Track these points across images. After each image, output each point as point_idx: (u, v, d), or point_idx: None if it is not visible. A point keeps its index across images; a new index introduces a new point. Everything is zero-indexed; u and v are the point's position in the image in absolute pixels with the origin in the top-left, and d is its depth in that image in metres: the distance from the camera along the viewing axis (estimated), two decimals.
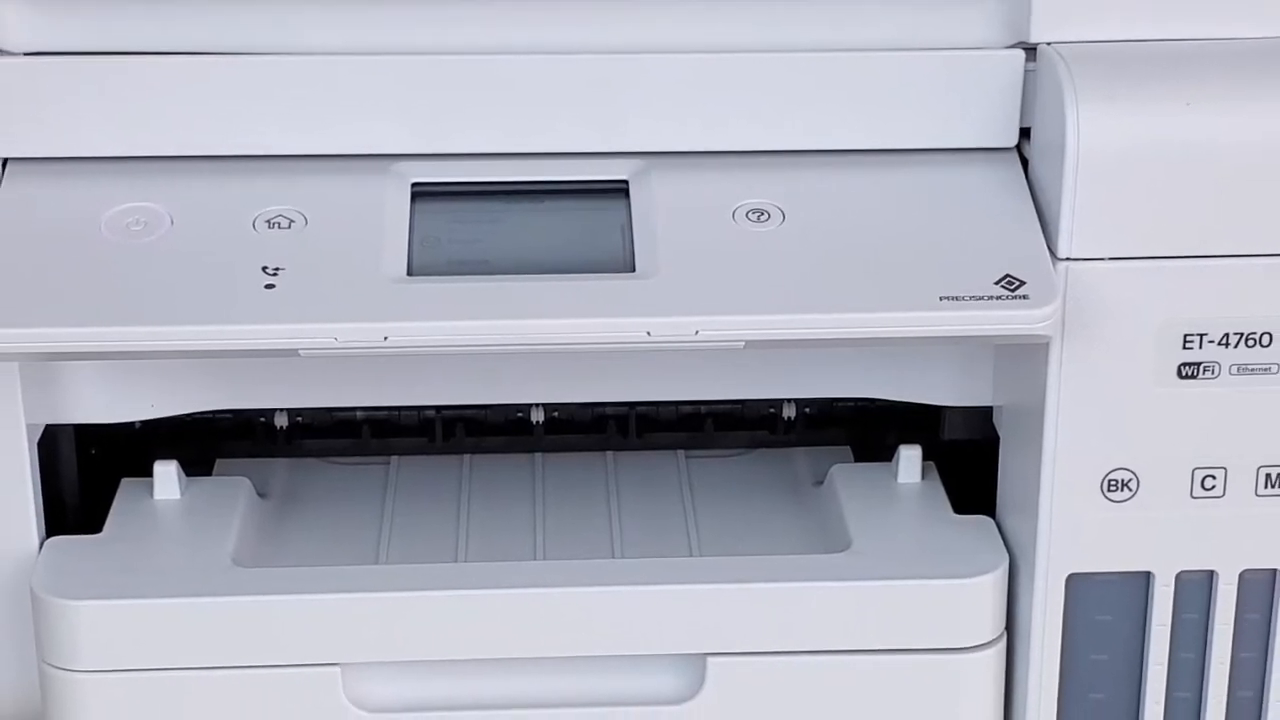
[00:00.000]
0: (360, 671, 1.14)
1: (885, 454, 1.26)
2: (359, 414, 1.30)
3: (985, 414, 1.22)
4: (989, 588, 1.14)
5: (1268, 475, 1.13)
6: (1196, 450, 1.12)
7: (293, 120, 1.13)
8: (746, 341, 1.07)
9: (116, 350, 1.06)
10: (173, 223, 1.11)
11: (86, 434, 1.24)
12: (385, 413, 1.29)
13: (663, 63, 1.13)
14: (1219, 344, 1.10)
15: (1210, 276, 1.09)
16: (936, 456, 1.26)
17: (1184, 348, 1.10)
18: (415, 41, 1.12)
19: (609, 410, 1.31)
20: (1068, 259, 1.09)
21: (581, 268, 1.10)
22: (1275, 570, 1.15)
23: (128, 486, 1.23)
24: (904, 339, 1.08)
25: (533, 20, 1.13)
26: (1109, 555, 1.14)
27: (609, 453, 1.32)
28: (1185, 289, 1.09)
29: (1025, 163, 1.14)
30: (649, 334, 1.06)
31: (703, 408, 1.31)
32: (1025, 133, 1.14)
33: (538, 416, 1.30)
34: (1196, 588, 1.15)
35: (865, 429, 1.31)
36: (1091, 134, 1.07)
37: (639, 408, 1.31)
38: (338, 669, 1.13)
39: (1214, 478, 1.13)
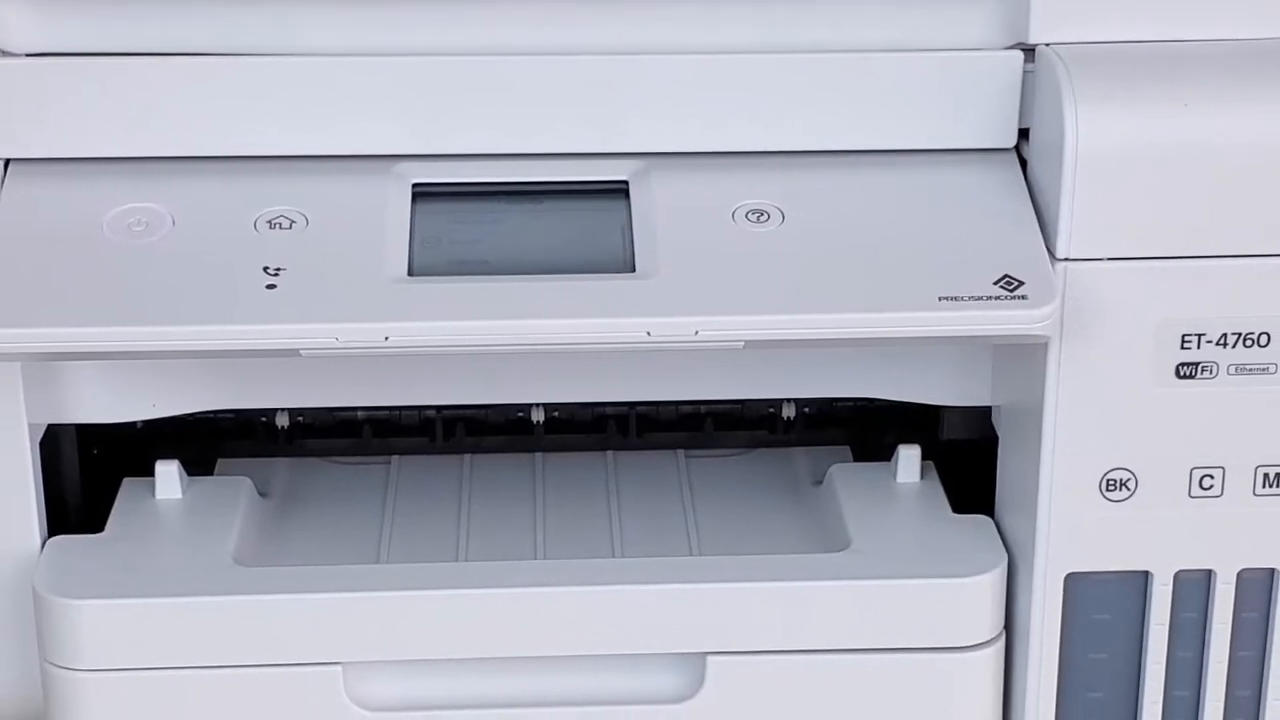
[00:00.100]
0: (361, 670, 1.14)
1: (884, 454, 1.27)
2: (360, 414, 1.30)
3: (984, 414, 1.23)
4: (988, 587, 1.15)
5: (1266, 475, 1.13)
6: (1195, 450, 1.12)
7: (294, 121, 1.13)
8: (746, 341, 1.07)
9: (118, 350, 1.06)
10: (174, 223, 1.11)
11: (88, 434, 1.24)
12: (386, 412, 1.30)
13: (663, 64, 1.13)
14: (1217, 344, 1.10)
15: (1208, 277, 1.09)
16: (935, 456, 1.26)
17: (1182, 348, 1.10)
18: (416, 42, 1.13)
19: (609, 410, 1.31)
20: (1066, 259, 1.09)
21: (582, 268, 1.10)
22: (1273, 569, 1.15)
23: (129, 486, 1.23)
24: (903, 339, 1.08)
25: (533, 21, 1.13)
26: (1107, 554, 1.14)
27: (609, 452, 1.32)
28: (1183, 289, 1.09)
29: (1024, 163, 1.14)
30: (649, 334, 1.06)
31: (703, 408, 1.31)
32: (1024, 133, 1.14)
33: (538, 416, 1.30)
34: (1195, 587, 1.15)
35: (864, 429, 1.31)
36: (1090, 135, 1.07)
37: (639, 408, 1.31)
38: (339, 668, 1.13)
39: (1212, 477, 1.13)
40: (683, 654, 1.15)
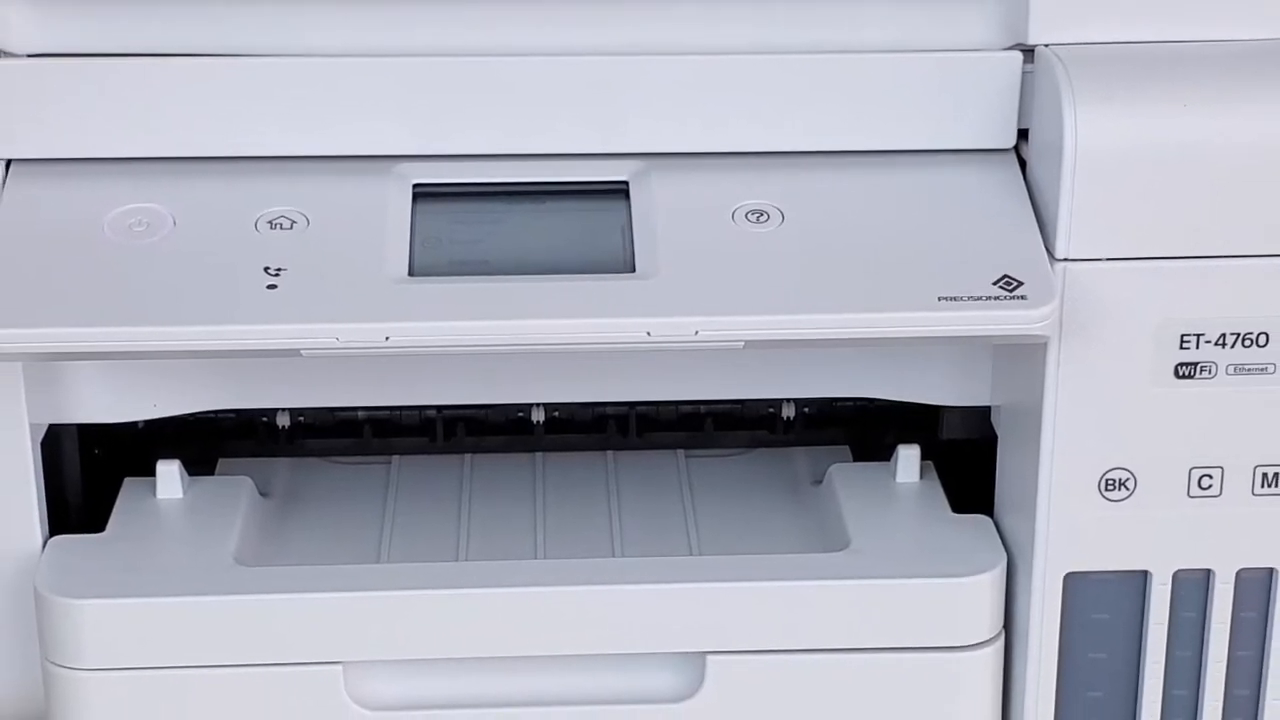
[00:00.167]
0: (362, 670, 1.14)
1: (884, 453, 1.27)
2: (360, 414, 1.30)
3: (983, 414, 1.23)
4: (987, 586, 1.15)
5: (1264, 474, 1.13)
6: (1193, 450, 1.12)
7: (295, 121, 1.13)
8: (746, 341, 1.07)
9: (119, 350, 1.06)
10: (175, 223, 1.11)
11: (89, 434, 1.24)
12: (387, 412, 1.30)
13: (663, 64, 1.13)
14: (1216, 344, 1.11)
15: (1207, 277, 1.09)
16: (935, 456, 1.26)
17: (1181, 348, 1.11)
18: (417, 43, 1.13)
19: (609, 410, 1.31)
20: (1065, 259, 1.09)
21: (582, 268, 1.10)
22: (1272, 569, 1.15)
23: (130, 486, 1.23)
24: (902, 339, 1.08)
25: (533, 22, 1.13)
26: (1106, 554, 1.14)
27: (609, 452, 1.32)
28: (1182, 289, 1.10)
29: (1023, 164, 1.14)
30: (649, 334, 1.06)
31: (702, 407, 1.31)
32: (1023, 134, 1.14)
33: (538, 416, 1.30)
34: (1193, 586, 1.16)
35: (864, 429, 1.32)
36: (1089, 135, 1.07)
37: (639, 407, 1.31)
38: (339, 667, 1.13)
39: (1211, 477, 1.13)
40: (682, 653, 1.15)
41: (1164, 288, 1.09)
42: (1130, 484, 1.13)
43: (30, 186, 1.13)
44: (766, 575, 1.14)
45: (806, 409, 1.31)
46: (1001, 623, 1.17)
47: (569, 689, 1.15)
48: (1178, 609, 1.16)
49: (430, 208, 1.13)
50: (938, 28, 1.14)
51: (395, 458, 1.31)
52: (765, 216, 1.12)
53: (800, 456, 1.31)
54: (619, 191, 1.14)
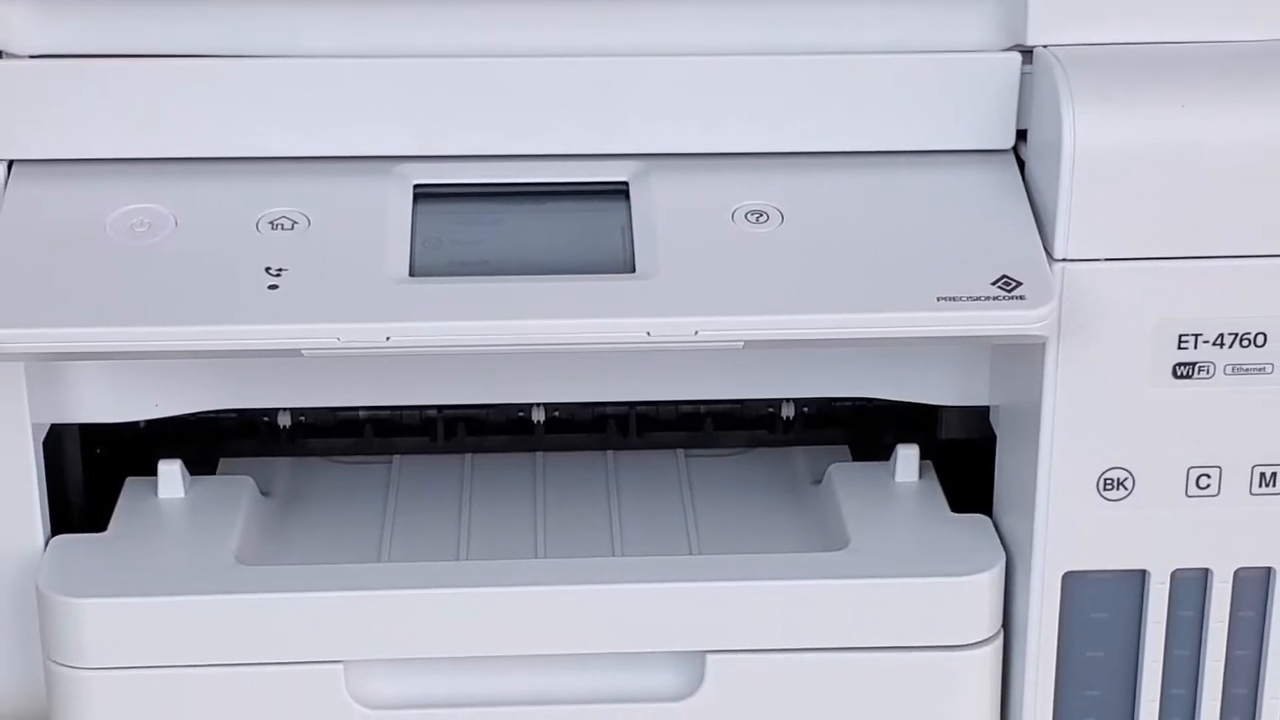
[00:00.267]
0: (363, 669, 1.14)
1: (883, 453, 1.27)
2: (361, 413, 1.30)
3: (982, 413, 1.23)
4: (986, 586, 1.15)
5: (1262, 474, 1.13)
6: (1191, 449, 1.13)
7: (296, 122, 1.13)
8: (745, 342, 1.07)
9: (121, 350, 1.06)
10: (177, 224, 1.12)
11: (91, 433, 1.24)
12: (387, 412, 1.30)
13: (662, 65, 1.13)
14: (1214, 344, 1.11)
15: (1205, 277, 1.10)
16: (934, 456, 1.26)
17: (1179, 348, 1.11)
18: (417, 44, 1.13)
19: (609, 410, 1.31)
20: (1064, 260, 1.09)
21: (582, 268, 1.11)
22: (1269, 568, 1.16)
23: (132, 485, 1.24)
24: (901, 339, 1.08)
25: (534, 23, 1.13)
26: (1105, 553, 1.15)
27: (609, 452, 1.32)
28: (1180, 289, 1.10)
29: (1022, 164, 1.14)
30: (649, 334, 1.07)
31: (702, 407, 1.31)
32: (1022, 135, 1.15)
33: (538, 416, 1.31)
34: (1191, 585, 1.16)
35: (863, 428, 1.32)
36: (1087, 136, 1.07)
37: (639, 407, 1.31)
38: (340, 666, 1.13)
39: (1209, 476, 1.13)
40: (682, 652, 1.15)
41: (1162, 288, 1.10)
42: (1128, 483, 1.13)
43: (32, 187, 1.13)
44: (766, 574, 1.14)
45: (806, 409, 1.31)
46: (1000, 622, 1.17)
47: (569, 688, 1.15)
48: (1176, 608, 1.16)
49: (431, 208, 1.14)
50: (936, 29, 1.14)
51: (396, 457, 1.32)
52: (765, 217, 1.12)
53: (800, 456, 1.31)
54: (619, 192, 1.15)
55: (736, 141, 1.15)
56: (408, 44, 1.13)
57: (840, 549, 1.18)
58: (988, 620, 1.16)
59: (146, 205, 1.12)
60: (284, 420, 1.29)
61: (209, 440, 1.30)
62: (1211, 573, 1.15)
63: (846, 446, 1.32)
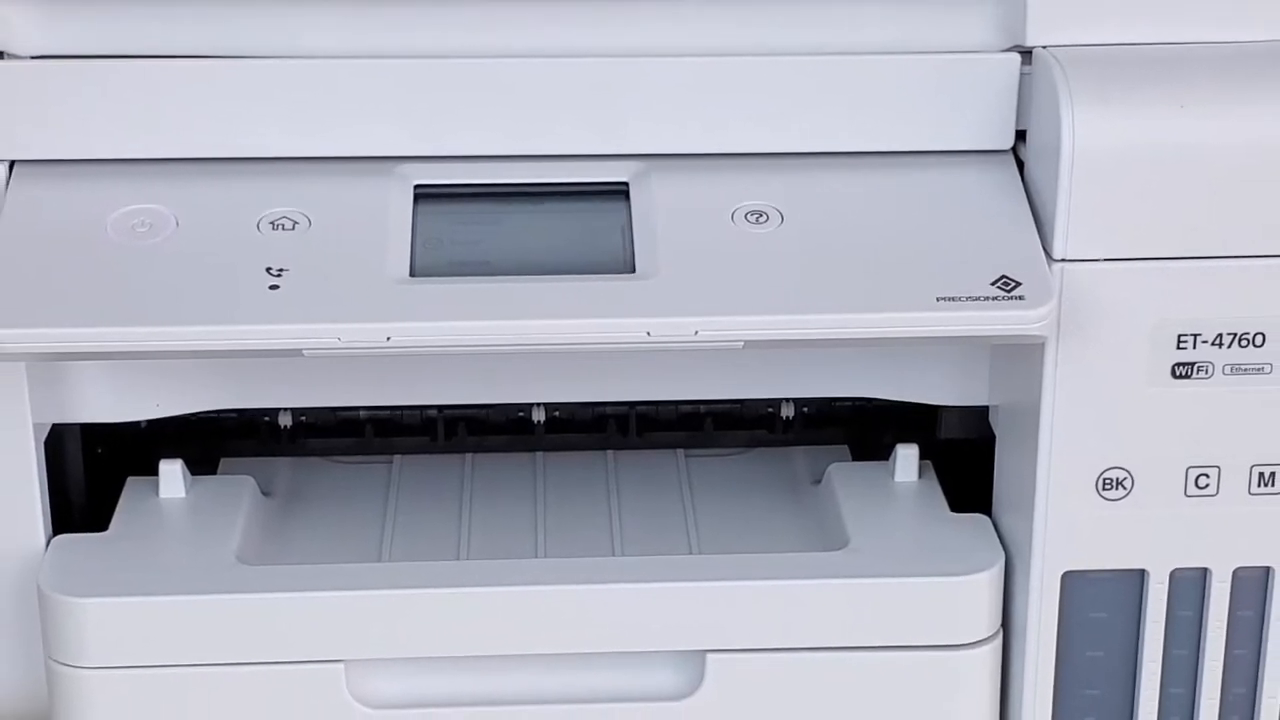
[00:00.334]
0: (363, 668, 1.14)
1: (882, 453, 1.27)
2: (362, 413, 1.30)
3: (981, 413, 1.23)
4: (985, 585, 1.15)
5: (1261, 474, 1.14)
6: (1190, 449, 1.13)
7: (297, 123, 1.13)
8: (745, 342, 1.07)
9: (122, 350, 1.07)
10: (178, 224, 1.12)
11: (93, 433, 1.25)
12: (388, 412, 1.30)
13: (663, 66, 1.13)
14: (1212, 344, 1.11)
15: (1204, 277, 1.10)
16: (933, 455, 1.26)
17: (1178, 348, 1.11)
18: (418, 45, 1.13)
19: (609, 410, 1.31)
20: (1063, 260, 1.10)
21: (582, 269, 1.11)
22: (1268, 568, 1.16)
23: (133, 485, 1.24)
24: (901, 339, 1.09)
25: (534, 24, 1.13)
26: (1104, 553, 1.15)
27: (609, 452, 1.32)
28: (1179, 290, 1.10)
29: (1021, 165, 1.15)
30: (649, 334, 1.07)
31: (702, 407, 1.32)
32: (1021, 135, 1.15)
33: (539, 416, 1.31)
34: (1190, 585, 1.16)
35: (863, 428, 1.32)
36: (1086, 136, 1.08)
37: (639, 407, 1.31)
38: (341, 665, 1.13)
39: (1207, 476, 1.13)
40: (682, 652, 1.15)
41: (1161, 288, 1.10)
42: (1128, 483, 1.13)
43: (34, 187, 1.13)
44: (766, 574, 1.14)
45: (806, 409, 1.31)
46: (999, 621, 1.17)
47: (569, 687, 1.16)
48: (1175, 607, 1.16)
49: (431, 208, 1.14)
50: (936, 30, 1.14)
51: (397, 457, 1.32)
52: (764, 217, 1.13)
53: (799, 456, 1.31)
54: (619, 192, 1.15)
55: (736, 142, 1.15)
56: (408, 45, 1.13)
57: (840, 549, 1.18)
58: (987, 620, 1.16)
59: (147, 205, 1.12)
60: (285, 420, 1.29)
61: (210, 440, 1.30)
62: (1210, 572, 1.16)
63: (846, 446, 1.32)
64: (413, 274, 1.10)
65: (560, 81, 1.13)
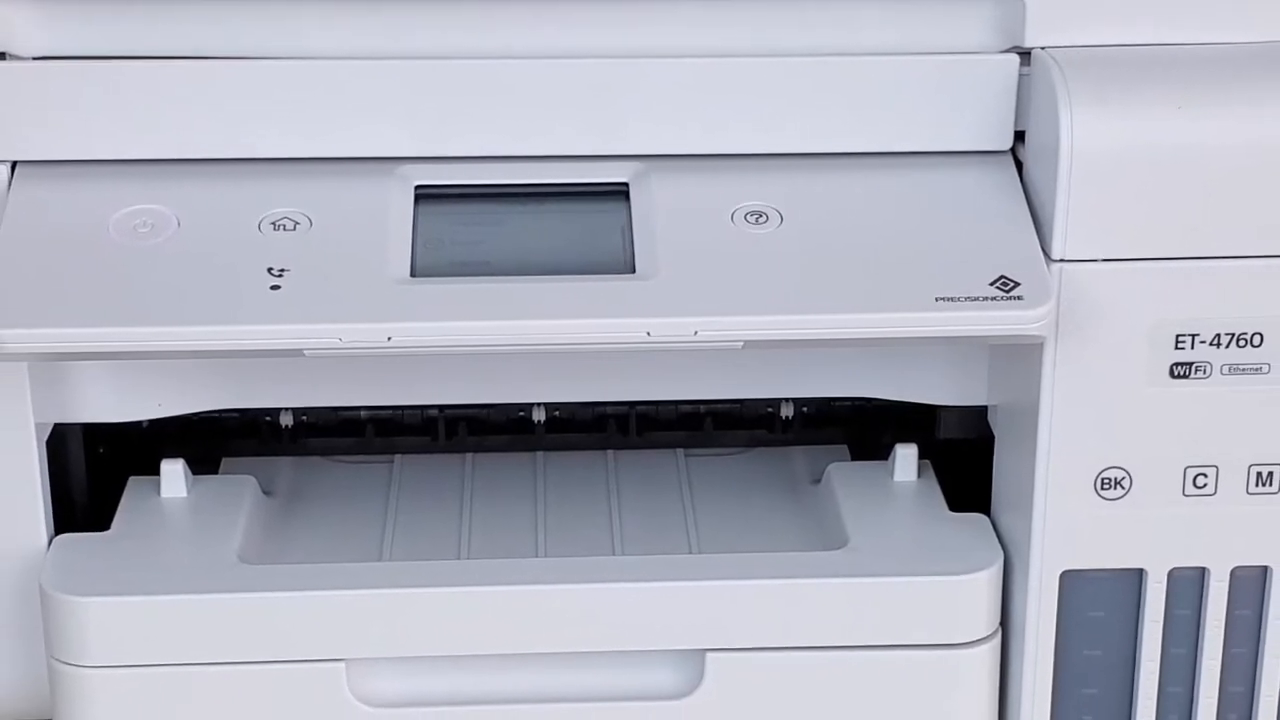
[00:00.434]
0: (364, 667, 1.14)
1: (882, 453, 1.27)
2: (363, 413, 1.30)
3: (980, 413, 1.23)
4: (984, 584, 1.15)
5: (1259, 474, 1.14)
6: (1188, 449, 1.13)
7: (298, 124, 1.14)
8: (745, 342, 1.08)
9: (124, 350, 1.07)
10: (179, 225, 1.12)
11: (95, 433, 1.25)
12: (389, 412, 1.30)
13: (663, 67, 1.14)
14: (1210, 344, 1.11)
15: (1202, 277, 1.10)
16: (932, 455, 1.26)
17: (1176, 348, 1.11)
18: (419, 46, 1.13)
19: (609, 409, 1.31)
20: (1061, 260, 1.10)
21: (582, 269, 1.11)
22: (1266, 567, 1.16)
23: (135, 484, 1.24)
24: (900, 339, 1.09)
25: (534, 25, 1.13)
26: (1102, 552, 1.15)
27: (609, 451, 1.32)
28: (1177, 290, 1.10)
29: (1019, 165, 1.15)
30: (649, 334, 1.07)
31: (702, 407, 1.32)
32: (1020, 136, 1.15)
33: (539, 416, 1.31)
34: (1188, 584, 1.16)
35: (862, 428, 1.32)
36: (1085, 137, 1.08)
37: (639, 407, 1.31)
38: (342, 664, 1.14)
39: (1206, 476, 1.14)
40: (682, 651, 1.15)
41: (1159, 288, 1.10)
42: (1126, 483, 1.14)
43: (36, 188, 1.13)
44: (765, 573, 1.15)
45: (805, 409, 1.31)
46: (998, 620, 1.17)
47: (569, 686, 1.16)
48: (1173, 607, 1.16)
49: (432, 209, 1.14)
50: (935, 31, 1.14)
51: (397, 457, 1.32)
52: (764, 218, 1.13)
53: (799, 456, 1.31)
54: (619, 193, 1.15)
55: (736, 143, 1.15)
56: (409, 46, 1.13)
57: (839, 548, 1.18)
58: (986, 619, 1.16)
59: (149, 206, 1.13)
60: (286, 420, 1.29)
61: (212, 440, 1.30)
62: (1208, 571, 1.16)
63: (845, 446, 1.32)
64: (413, 274, 1.10)
65: (560, 82, 1.13)
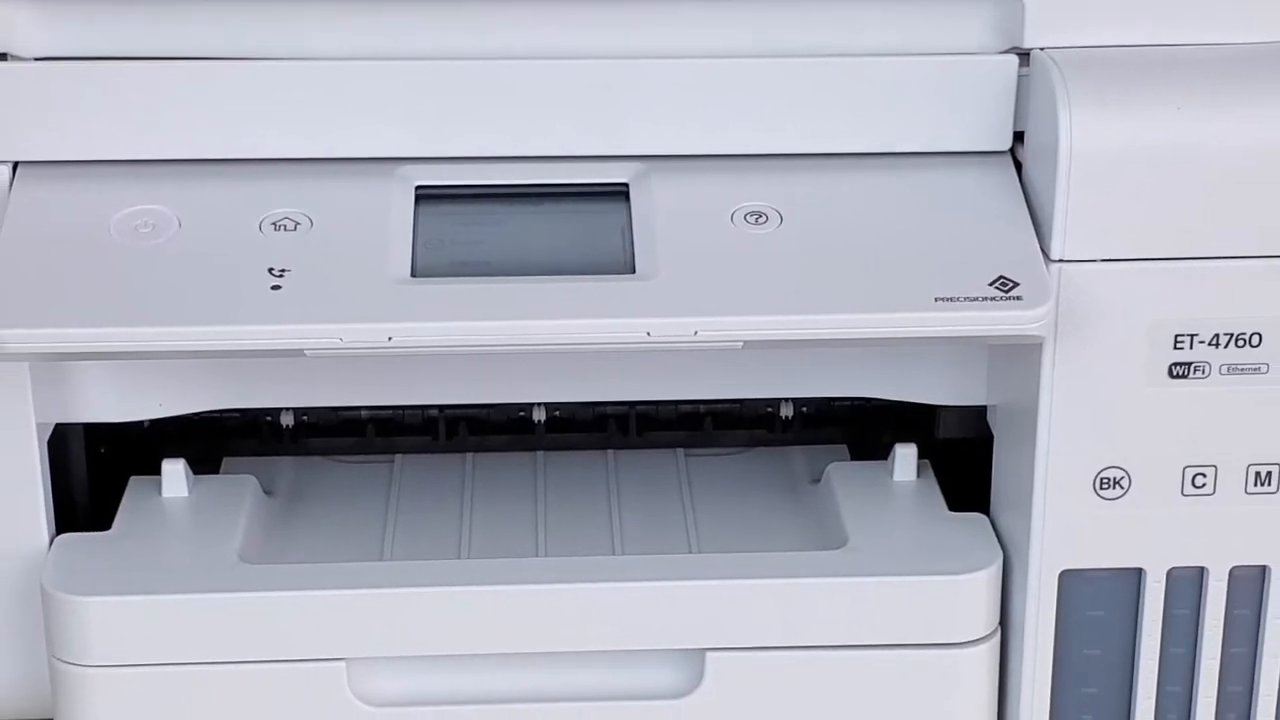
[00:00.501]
0: (365, 666, 1.15)
1: (881, 452, 1.27)
2: (364, 413, 1.30)
3: (979, 413, 1.23)
4: (983, 584, 1.15)
5: (1257, 473, 1.14)
6: (1187, 449, 1.13)
7: (299, 124, 1.14)
8: (745, 342, 1.08)
9: (125, 350, 1.07)
10: (180, 225, 1.12)
11: (96, 433, 1.25)
12: (389, 412, 1.30)
13: (663, 68, 1.14)
14: (1209, 344, 1.11)
15: (1201, 278, 1.10)
16: (931, 455, 1.26)
17: (1175, 348, 1.11)
18: (419, 47, 1.13)
19: (609, 409, 1.32)
20: (1060, 260, 1.10)
21: (582, 269, 1.11)
22: (1265, 567, 1.16)
23: (136, 484, 1.24)
24: (900, 339, 1.09)
25: (535, 25, 1.14)
26: (1101, 552, 1.15)
27: (609, 451, 1.32)
28: (1176, 290, 1.10)
29: (1019, 166, 1.15)
30: (649, 334, 1.07)
31: (702, 407, 1.32)
32: (1019, 136, 1.15)
33: (539, 415, 1.31)
34: (1187, 584, 1.16)
35: (861, 428, 1.32)
36: (1084, 137, 1.08)
37: (639, 407, 1.31)
38: (343, 664, 1.14)
39: (1204, 476, 1.14)
40: (682, 650, 1.15)
41: (1158, 288, 1.10)
42: (1125, 483, 1.14)
43: (37, 188, 1.13)
44: (765, 573, 1.15)
45: (805, 408, 1.31)
46: (997, 620, 1.17)
47: (570, 685, 1.16)
48: (1172, 606, 1.16)
49: (433, 209, 1.14)
50: (934, 31, 1.14)
51: (398, 457, 1.32)
52: (764, 218, 1.13)
53: (798, 455, 1.32)
54: (619, 193, 1.15)
55: (736, 143, 1.15)
56: (410, 46, 1.13)
57: (839, 548, 1.18)
58: (985, 618, 1.16)
59: (150, 206, 1.13)
60: (287, 420, 1.29)
61: (212, 440, 1.30)
62: (1207, 571, 1.16)
63: (845, 446, 1.32)
64: (414, 274, 1.10)
65: (561, 83, 1.14)
